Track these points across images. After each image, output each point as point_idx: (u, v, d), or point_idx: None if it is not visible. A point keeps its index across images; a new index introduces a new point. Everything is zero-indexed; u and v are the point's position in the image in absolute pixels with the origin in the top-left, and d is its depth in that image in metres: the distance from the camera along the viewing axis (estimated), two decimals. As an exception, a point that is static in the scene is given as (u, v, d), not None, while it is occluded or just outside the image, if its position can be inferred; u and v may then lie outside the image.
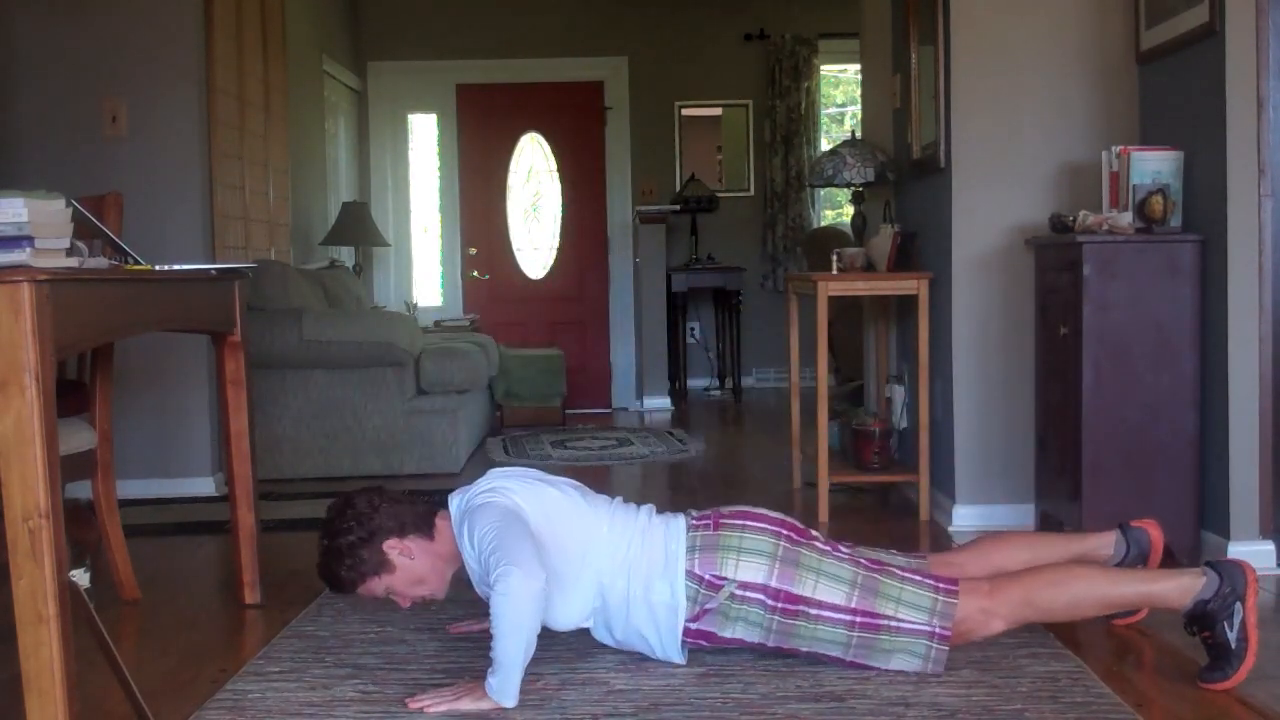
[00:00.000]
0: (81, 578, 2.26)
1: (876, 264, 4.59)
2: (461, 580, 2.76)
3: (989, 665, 2.66)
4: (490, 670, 2.46)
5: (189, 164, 4.94)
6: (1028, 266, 4.11)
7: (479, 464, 5.69)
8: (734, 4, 8.69)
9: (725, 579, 2.59)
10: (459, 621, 3.05)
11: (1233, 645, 2.50)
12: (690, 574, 2.61)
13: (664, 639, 2.66)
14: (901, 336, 4.85)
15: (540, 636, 2.50)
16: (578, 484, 2.85)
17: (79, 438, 3.19)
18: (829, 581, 2.59)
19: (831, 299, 4.39)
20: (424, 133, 8.88)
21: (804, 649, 2.62)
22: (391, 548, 2.68)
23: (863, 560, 2.65)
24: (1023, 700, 2.45)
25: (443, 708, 2.44)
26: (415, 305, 8.38)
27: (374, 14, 8.57)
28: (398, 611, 3.15)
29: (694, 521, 2.72)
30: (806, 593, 2.58)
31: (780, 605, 2.58)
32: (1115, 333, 3.58)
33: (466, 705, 2.44)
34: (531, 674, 2.53)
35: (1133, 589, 2.63)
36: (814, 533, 2.72)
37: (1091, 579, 2.63)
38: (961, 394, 4.21)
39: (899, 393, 4.74)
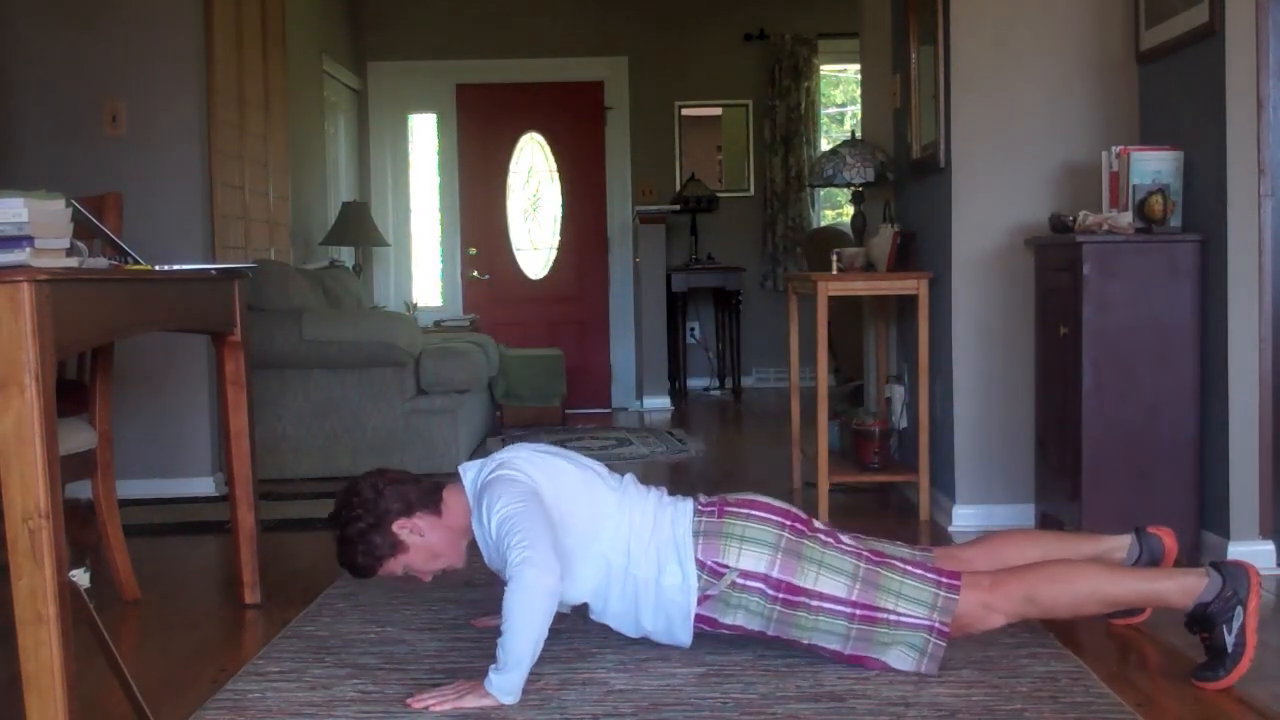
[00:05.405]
0: (81, 578, 2.26)
1: (876, 264, 4.58)
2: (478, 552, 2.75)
3: (989, 665, 2.66)
4: (494, 666, 2.46)
5: (189, 164, 4.94)
6: (1028, 266, 4.11)
7: (479, 464, 5.69)
8: (734, 4, 8.69)
9: (727, 566, 2.61)
10: (483, 616, 3.05)
11: (1229, 649, 2.50)
12: (694, 559, 2.63)
13: (673, 621, 2.66)
14: (901, 336, 4.85)
15: None
16: (594, 463, 2.86)
17: (79, 438, 3.19)
18: (830, 574, 2.59)
19: (831, 299, 4.39)
20: (424, 133, 8.88)
21: (804, 641, 2.62)
22: (401, 528, 2.70)
23: (865, 553, 2.65)
24: (1023, 700, 2.45)
25: (444, 706, 2.44)
26: (415, 305, 8.38)
27: (374, 14, 8.57)
28: (400, 613, 3.15)
29: (700, 506, 2.75)
30: (807, 584, 2.59)
31: (781, 596, 2.59)
32: (1115, 333, 3.58)
33: (469, 703, 2.44)
34: (532, 674, 2.52)
35: (1134, 588, 2.63)
36: (818, 524, 2.74)
37: (1094, 576, 2.62)
38: (961, 394, 4.21)
39: (899, 393, 4.74)
